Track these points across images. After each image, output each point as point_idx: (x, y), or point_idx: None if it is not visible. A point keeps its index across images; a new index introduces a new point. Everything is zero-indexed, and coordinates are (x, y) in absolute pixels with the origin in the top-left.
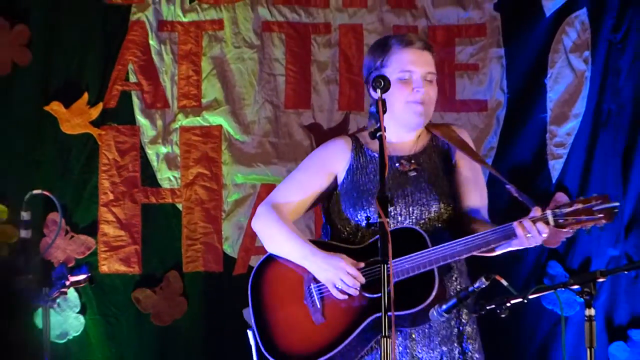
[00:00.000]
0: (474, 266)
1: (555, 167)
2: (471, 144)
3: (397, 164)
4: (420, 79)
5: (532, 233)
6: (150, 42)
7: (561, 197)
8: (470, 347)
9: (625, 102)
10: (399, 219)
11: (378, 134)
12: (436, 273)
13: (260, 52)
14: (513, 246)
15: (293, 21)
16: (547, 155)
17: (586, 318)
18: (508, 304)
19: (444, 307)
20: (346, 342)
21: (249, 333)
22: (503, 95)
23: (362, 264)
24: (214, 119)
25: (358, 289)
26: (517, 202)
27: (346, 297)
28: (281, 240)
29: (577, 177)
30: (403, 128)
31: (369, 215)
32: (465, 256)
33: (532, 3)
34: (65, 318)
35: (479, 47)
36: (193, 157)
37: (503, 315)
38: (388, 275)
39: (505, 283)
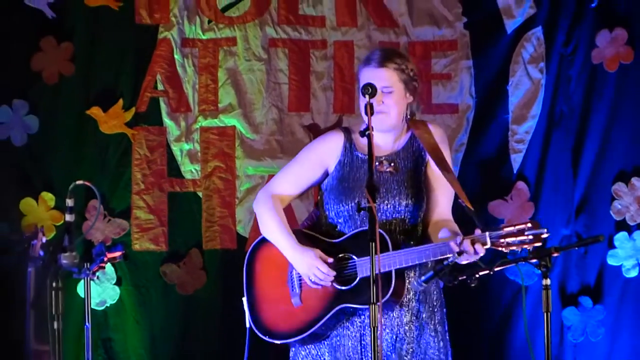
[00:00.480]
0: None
1: (516, 160)
2: (444, 142)
3: (376, 164)
4: (377, 90)
5: (468, 250)
6: (175, 56)
7: (522, 185)
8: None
9: (574, 106)
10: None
11: (367, 133)
12: (393, 275)
13: (268, 64)
14: (452, 260)
15: (295, 38)
16: (509, 150)
17: (543, 287)
18: (477, 275)
19: (423, 278)
20: (317, 326)
21: (244, 301)
22: (472, 100)
23: (331, 260)
24: (228, 120)
25: (329, 282)
26: (489, 185)
27: (319, 286)
28: (272, 228)
29: (534, 169)
30: (375, 131)
31: (351, 207)
32: (415, 263)
33: (496, 22)
34: (104, 288)
35: (451, 59)
36: (211, 153)
37: (473, 285)
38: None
39: None
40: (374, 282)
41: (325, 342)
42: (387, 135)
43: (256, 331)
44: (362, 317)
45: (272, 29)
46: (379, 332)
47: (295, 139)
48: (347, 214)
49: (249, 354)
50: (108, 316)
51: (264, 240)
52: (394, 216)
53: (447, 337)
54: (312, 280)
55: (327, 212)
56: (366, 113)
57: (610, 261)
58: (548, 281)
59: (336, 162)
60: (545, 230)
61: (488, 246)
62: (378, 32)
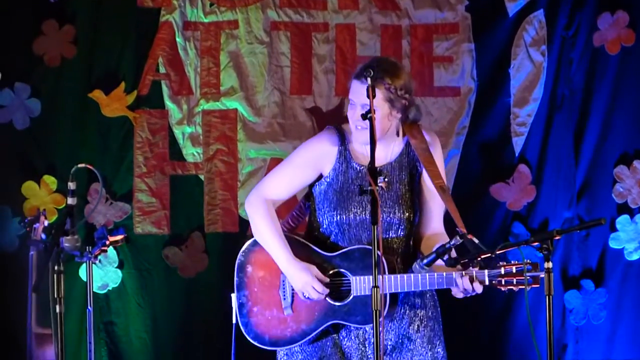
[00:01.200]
0: (450, 227)
1: (518, 143)
2: (439, 151)
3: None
4: (357, 107)
5: (468, 290)
6: (177, 39)
7: (523, 168)
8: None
9: (576, 88)
10: (367, 225)
11: (369, 116)
12: (388, 298)
13: (269, 47)
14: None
15: (297, 21)
16: (510, 133)
17: (545, 270)
18: (479, 258)
19: (425, 261)
20: (307, 338)
21: (233, 297)
22: (473, 83)
23: (328, 280)
24: (230, 103)
25: (322, 299)
26: (490, 168)
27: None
28: (266, 237)
29: (536, 152)
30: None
31: (340, 220)
32: (410, 290)
33: (497, 5)
34: (106, 272)
35: (453, 42)
36: (213, 136)
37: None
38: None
39: (476, 241)
40: (376, 264)
41: (314, 345)
42: (379, 146)
43: (245, 334)
44: (352, 332)
45: (273, 12)
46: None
47: (297, 122)
48: (342, 225)
49: (236, 351)
50: (110, 299)
51: (256, 243)
52: (389, 234)
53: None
54: (306, 296)
55: (319, 219)
56: (367, 96)
57: (612, 244)
58: (550, 264)
59: (331, 167)
60: (544, 272)
61: (486, 284)
62: (380, 15)
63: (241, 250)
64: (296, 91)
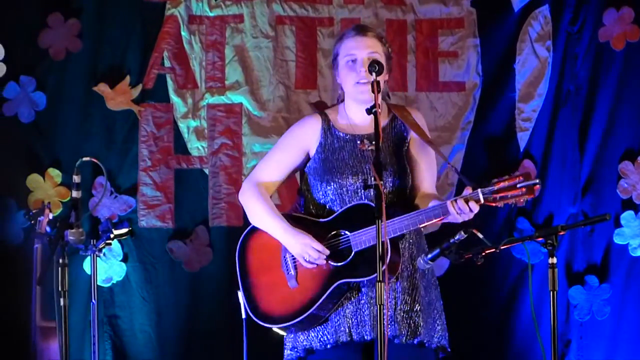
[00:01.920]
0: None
1: (523, 138)
2: (423, 124)
3: (358, 142)
4: (361, 61)
5: (463, 210)
6: (182, 33)
7: (528, 163)
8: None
9: (581, 84)
10: (359, 192)
11: (374, 110)
12: (388, 244)
13: (275, 41)
14: (450, 220)
15: (302, 15)
16: (515, 128)
17: (549, 265)
18: (483, 254)
19: (429, 256)
20: (317, 304)
21: (239, 293)
22: (478, 78)
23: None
24: (235, 97)
25: (324, 260)
26: (495, 163)
27: (315, 266)
28: (261, 216)
29: (541, 147)
30: (359, 106)
31: (336, 185)
32: (412, 229)
33: (503, 0)
34: (110, 265)
35: (458, 37)
36: (218, 130)
37: (479, 263)
38: (387, 243)
39: (480, 236)
40: (380, 258)
41: (326, 325)
42: (364, 104)
43: (255, 319)
44: (359, 292)
45: (279, 6)
46: (384, 309)
47: (302, 116)
48: (335, 193)
49: (248, 345)
50: (114, 293)
51: (253, 230)
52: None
53: (444, 317)
54: (307, 259)
55: (313, 195)
56: (373, 91)
57: (617, 240)
58: (554, 260)
59: (316, 144)
60: (537, 180)
61: (482, 202)
62: (385, 10)
63: (239, 242)
64: (301, 85)
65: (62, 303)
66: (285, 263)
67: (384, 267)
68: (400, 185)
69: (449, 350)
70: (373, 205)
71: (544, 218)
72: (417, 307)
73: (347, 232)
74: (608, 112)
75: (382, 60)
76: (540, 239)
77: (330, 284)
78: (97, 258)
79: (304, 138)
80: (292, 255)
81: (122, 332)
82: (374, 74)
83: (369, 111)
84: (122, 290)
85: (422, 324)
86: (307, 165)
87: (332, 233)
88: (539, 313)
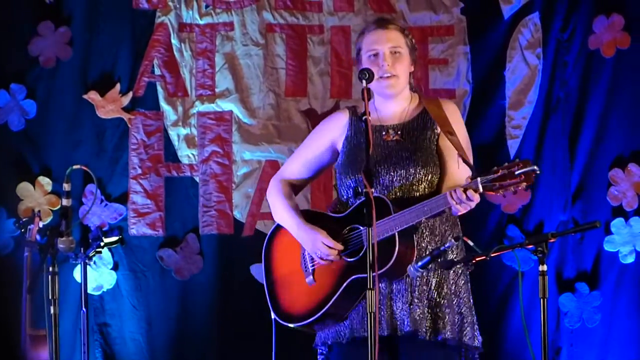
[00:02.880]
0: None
1: (513, 145)
2: (455, 115)
3: (383, 133)
4: (383, 55)
5: (462, 200)
6: (172, 41)
7: None
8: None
9: (571, 91)
10: (385, 183)
11: (364, 118)
12: (397, 237)
13: (265, 49)
14: (455, 211)
15: (292, 23)
16: (506, 135)
17: (540, 273)
18: (474, 261)
19: (420, 263)
20: (332, 301)
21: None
22: (469, 85)
23: (337, 241)
24: (225, 105)
25: (335, 256)
26: (488, 169)
27: (329, 262)
28: (280, 212)
29: (531, 154)
30: (384, 99)
31: (356, 180)
32: (416, 221)
33: (493, 8)
34: (100, 273)
35: (448, 44)
36: (208, 138)
37: (469, 270)
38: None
39: (471, 243)
40: (370, 267)
41: (346, 324)
42: (394, 103)
43: (276, 318)
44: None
45: (269, 13)
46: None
47: (292, 124)
48: (353, 186)
49: (277, 347)
50: (104, 301)
51: (278, 228)
52: (402, 182)
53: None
54: (319, 256)
55: (340, 191)
56: (363, 98)
57: (607, 247)
58: (544, 267)
59: (343, 138)
60: (536, 167)
61: (480, 191)
62: (375, 17)
63: (265, 243)
64: (291, 93)
65: (52, 311)
66: (304, 259)
67: (375, 274)
68: (425, 176)
69: (482, 349)
70: (384, 199)
71: (534, 225)
72: (444, 301)
73: (361, 227)
74: (598, 120)
75: (405, 52)
76: (531, 246)
77: (344, 280)
78: (88, 266)
79: (330, 133)
80: (309, 253)
81: (112, 340)
82: (364, 81)
83: (359, 118)
84: (112, 298)
85: (446, 319)
86: (338, 160)
87: (348, 228)
88: (530, 320)
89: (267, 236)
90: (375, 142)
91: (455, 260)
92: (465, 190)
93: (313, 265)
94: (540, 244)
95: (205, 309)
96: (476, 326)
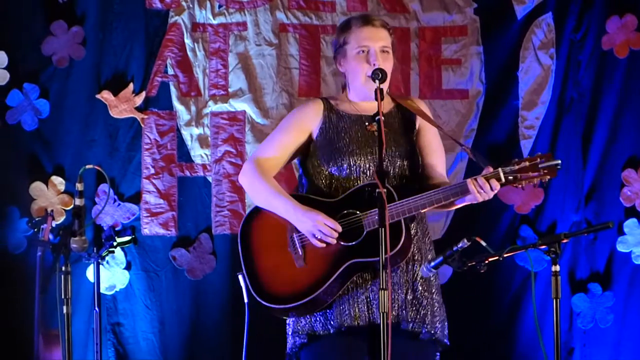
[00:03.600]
0: (458, 229)
1: (526, 146)
2: (428, 112)
3: (366, 123)
4: (375, 53)
5: (484, 189)
6: (186, 40)
7: None
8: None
9: (584, 91)
10: (368, 173)
11: (377, 118)
12: (403, 224)
13: (278, 49)
14: (467, 201)
15: (305, 23)
16: (519, 135)
17: (552, 273)
18: (486, 262)
19: (432, 264)
20: (326, 284)
21: (240, 277)
22: (482, 85)
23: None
24: (239, 105)
25: (335, 237)
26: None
27: (324, 245)
28: (266, 195)
29: None
30: (368, 95)
31: (340, 168)
32: (428, 209)
33: (506, 8)
34: (113, 273)
35: (461, 45)
36: (221, 138)
37: (482, 271)
38: (386, 242)
39: (484, 244)
40: (384, 267)
41: (329, 308)
42: (372, 100)
43: (260, 301)
44: (369, 274)
45: (282, 13)
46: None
47: None
48: (344, 173)
49: (249, 331)
50: (117, 301)
51: (256, 211)
52: (391, 172)
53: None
54: (318, 237)
55: (316, 180)
56: (376, 98)
57: (620, 248)
58: (557, 267)
59: (319, 126)
60: (559, 161)
61: (503, 182)
62: (388, 17)
63: (240, 225)
64: (304, 93)
65: (65, 311)
66: (293, 243)
67: (392, 252)
68: (410, 165)
69: (448, 344)
70: (388, 186)
71: (547, 226)
72: (428, 295)
73: (358, 212)
74: (611, 120)
75: (391, 51)
76: (544, 246)
77: (341, 264)
78: (100, 266)
79: (306, 120)
80: (300, 235)
81: (125, 340)
82: (377, 81)
83: (372, 118)
84: (125, 298)
85: (428, 314)
86: (310, 148)
87: (342, 213)
88: (542, 321)
89: (243, 221)
90: (358, 132)
91: (466, 260)
92: (487, 179)
93: (304, 248)
94: (553, 244)
95: (218, 308)
96: (446, 323)
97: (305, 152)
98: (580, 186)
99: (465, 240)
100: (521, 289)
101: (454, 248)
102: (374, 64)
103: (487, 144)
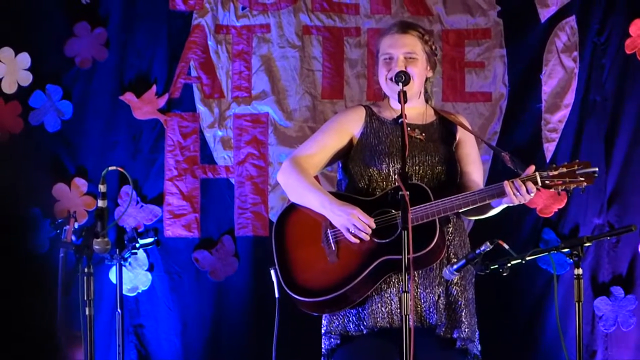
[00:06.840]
0: (480, 234)
1: (549, 149)
2: (468, 126)
3: (408, 128)
4: (397, 60)
5: (520, 191)
6: (209, 42)
7: None
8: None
9: (607, 95)
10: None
11: (400, 121)
12: (437, 222)
13: (301, 51)
14: (504, 204)
15: (329, 25)
16: (542, 139)
17: (575, 276)
18: (509, 265)
19: (455, 266)
20: (357, 280)
21: (272, 272)
22: (505, 88)
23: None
24: (262, 107)
25: (369, 233)
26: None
27: (358, 241)
28: (302, 190)
29: (567, 158)
30: (396, 100)
31: (379, 170)
32: (463, 210)
33: (530, 11)
34: (136, 274)
35: (484, 47)
36: (244, 140)
37: (505, 274)
38: (408, 240)
39: (506, 247)
40: (406, 269)
41: (363, 308)
42: (413, 107)
43: (291, 294)
44: (402, 278)
45: (306, 16)
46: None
47: None
48: (384, 176)
49: (279, 326)
50: (140, 302)
51: (291, 207)
52: (426, 179)
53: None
54: (352, 231)
55: (355, 183)
56: (399, 101)
57: None
58: (580, 271)
59: (360, 131)
60: (597, 169)
61: (539, 185)
62: (412, 20)
63: (276, 219)
64: (327, 95)
65: (87, 312)
66: (326, 239)
67: (425, 250)
68: (448, 172)
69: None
70: (423, 186)
71: (569, 229)
72: (461, 301)
73: (393, 210)
74: (634, 123)
75: (421, 57)
76: (566, 250)
77: (373, 260)
78: (123, 267)
79: (348, 124)
80: (334, 231)
81: (147, 342)
82: (400, 84)
83: (395, 121)
84: (147, 299)
85: (463, 320)
86: (351, 153)
87: (378, 211)
88: (565, 324)
89: (278, 215)
90: (399, 137)
91: (489, 263)
92: (524, 182)
93: (337, 244)
94: (575, 247)
95: (240, 310)
96: (477, 333)
97: (345, 156)
98: (602, 189)
99: (488, 243)
100: (543, 292)
101: (477, 251)
102: (393, 70)
103: (510, 147)
